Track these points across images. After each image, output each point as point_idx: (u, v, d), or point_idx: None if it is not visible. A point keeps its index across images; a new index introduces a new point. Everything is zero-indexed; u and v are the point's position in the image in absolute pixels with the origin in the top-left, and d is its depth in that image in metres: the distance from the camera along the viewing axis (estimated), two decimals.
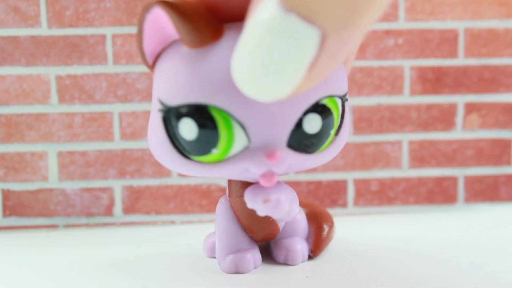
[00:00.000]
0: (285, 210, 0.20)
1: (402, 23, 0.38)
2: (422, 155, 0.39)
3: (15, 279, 0.23)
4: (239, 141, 0.18)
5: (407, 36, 0.38)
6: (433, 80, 0.38)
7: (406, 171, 0.39)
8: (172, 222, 0.38)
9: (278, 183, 0.20)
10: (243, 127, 0.17)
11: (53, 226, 0.37)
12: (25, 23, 0.36)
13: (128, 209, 0.37)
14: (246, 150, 0.18)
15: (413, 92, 0.38)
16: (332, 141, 0.20)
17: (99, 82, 0.37)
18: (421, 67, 0.38)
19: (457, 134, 0.39)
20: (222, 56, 0.17)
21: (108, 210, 0.37)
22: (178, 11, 0.16)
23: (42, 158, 0.37)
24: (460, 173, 0.39)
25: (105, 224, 0.37)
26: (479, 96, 0.39)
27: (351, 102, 0.38)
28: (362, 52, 0.38)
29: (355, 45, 0.21)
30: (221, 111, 0.17)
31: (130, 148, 0.37)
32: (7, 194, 0.37)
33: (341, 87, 0.19)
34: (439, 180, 0.39)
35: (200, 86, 0.17)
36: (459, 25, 0.38)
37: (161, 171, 0.37)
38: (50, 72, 0.36)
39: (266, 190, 0.19)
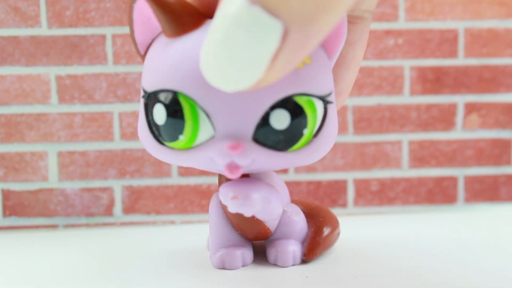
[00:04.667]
0: (256, 208, 0.20)
1: (402, 23, 0.38)
2: (422, 155, 0.39)
3: (15, 279, 0.23)
4: (205, 130, 0.18)
5: (407, 36, 0.38)
6: (433, 80, 0.38)
7: (406, 171, 0.39)
8: (172, 222, 0.38)
9: (254, 180, 0.20)
10: (208, 116, 0.18)
11: (53, 226, 0.37)
12: (25, 23, 0.36)
13: (128, 209, 0.37)
14: (211, 140, 0.18)
15: (413, 92, 0.38)
16: (308, 143, 0.19)
17: (99, 82, 0.37)
18: (421, 67, 0.38)
19: (457, 134, 0.39)
20: (193, 45, 0.17)
21: (108, 210, 0.37)
22: (157, 1, 0.17)
23: (42, 158, 0.37)
24: (460, 173, 0.39)
25: (105, 224, 0.37)
26: (479, 96, 0.39)
27: (351, 102, 0.38)
28: None
29: (357, 54, 0.21)
30: (188, 98, 0.18)
31: (130, 148, 0.37)
32: (7, 194, 0.37)
33: (320, 88, 0.19)
34: (439, 180, 0.39)
35: (170, 73, 0.18)
36: (459, 25, 0.38)
37: (161, 171, 0.37)
38: (50, 72, 0.36)
39: (238, 187, 0.20)
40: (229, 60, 0.14)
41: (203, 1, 0.18)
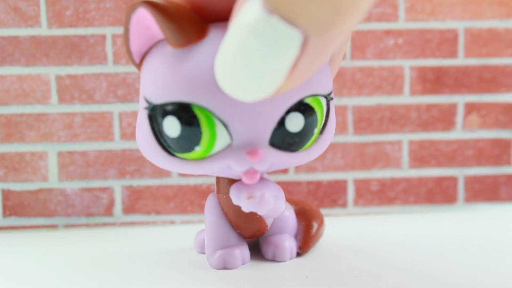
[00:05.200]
0: (270, 206, 0.20)
1: (402, 23, 0.38)
2: (422, 155, 0.39)
3: (15, 279, 0.23)
4: (222, 139, 0.18)
5: (407, 36, 0.38)
6: (433, 80, 0.38)
7: (406, 171, 0.39)
8: (172, 222, 0.38)
9: (263, 179, 0.20)
10: (225, 125, 0.18)
11: (53, 226, 0.37)
12: (25, 23, 0.36)
13: (128, 209, 0.37)
14: (228, 148, 0.18)
15: (413, 92, 0.38)
16: (316, 140, 0.20)
17: (99, 82, 0.37)
18: (421, 67, 0.38)
19: (457, 134, 0.39)
20: (205, 55, 0.17)
21: (108, 210, 0.37)
22: (162, 11, 0.17)
23: (42, 158, 0.37)
24: (460, 173, 0.39)
25: (105, 224, 0.37)
26: (479, 96, 0.39)
27: (351, 102, 0.38)
28: (362, 52, 0.38)
29: (342, 45, 0.21)
30: (203, 109, 0.18)
31: (130, 148, 0.37)
32: (7, 194, 0.37)
33: (325, 86, 0.19)
34: (439, 180, 0.39)
35: (183, 85, 0.18)
36: (459, 25, 0.38)
37: (161, 171, 0.37)
38: (50, 72, 0.36)
39: (251, 187, 0.20)
40: (248, 70, 0.14)
41: (202, 6, 0.18)
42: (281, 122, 0.18)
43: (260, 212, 0.20)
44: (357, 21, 0.14)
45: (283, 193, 0.22)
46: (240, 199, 0.20)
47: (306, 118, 0.19)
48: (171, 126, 0.18)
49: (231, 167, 0.19)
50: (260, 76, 0.14)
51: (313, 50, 0.14)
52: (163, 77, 0.18)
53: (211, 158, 0.19)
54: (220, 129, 0.18)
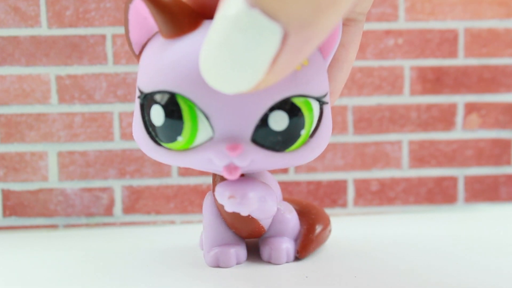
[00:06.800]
0: (253, 207, 0.20)
1: (402, 23, 0.38)
2: (422, 155, 0.39)
3: (15, 279, 0.23)
4: (204, 131, 0.18)
5: (407, 36, 0.38)
6: (433, 80, 0.38)
7: (406, 171, 0.39)
8: (172, 222, 0.38)
9: (249, 179, 0.20)
10: (207, 117, 0.18)
11: (53, 226, 0.37)
12: (25, 23, 0.36)
13: (128, 209, 0.37)
14: (210, 141, 0.18)
15: (413, 92, 0.38)
16: (305, 143, 0.19)
17: (99, 82, 0.37)
18: (421, 67, 0.38)
19: (457, 134, 0.39)
20: (192, 47, 0.17)
21: (108, 210, 0.37)
22: (155, 1, 0.17)
23: (42, 158, 0.37)
24: (460, 173, 0.39)
25: (105, 224, 0.37)
26: (479, 96, 0.39)
27: (351, 102, 0.38)
28: (362, 52, 0.38)
29: (348, 55, 0.21)
30: (186, 100, 0.18)
31: (130, 148, 0.37)
32: (7, 194, 0.37)
33: (317, 89, 0.19)
34: (439, 180, 0.39)
35: (169, 74, 0.18)
36: (459, 25, 0.38)
37: (161, 171, 0.37)
38: (50, 72, 0.36)
39: (234, 186, 0.20)
40: (229, 62, 0.14)
41: (199, 2, 0.18)
42: (265, 120, 0.18)
43: (243, 212, 0.20)
44: (337, 19, 0.14)
45: (273, 196, 0.21)
46: (222, 198, 0.20)
47: (291, 118, 0.18)
48: (156, 115, 0.18)
49: (212, 161, 0.19)
50: (240, 69, 0.14)
51: (294, 46, 0.14)
52: (152, 66, 0.18)
53: (193, 150, 0.19)
54: (202, 121, 0.18)
